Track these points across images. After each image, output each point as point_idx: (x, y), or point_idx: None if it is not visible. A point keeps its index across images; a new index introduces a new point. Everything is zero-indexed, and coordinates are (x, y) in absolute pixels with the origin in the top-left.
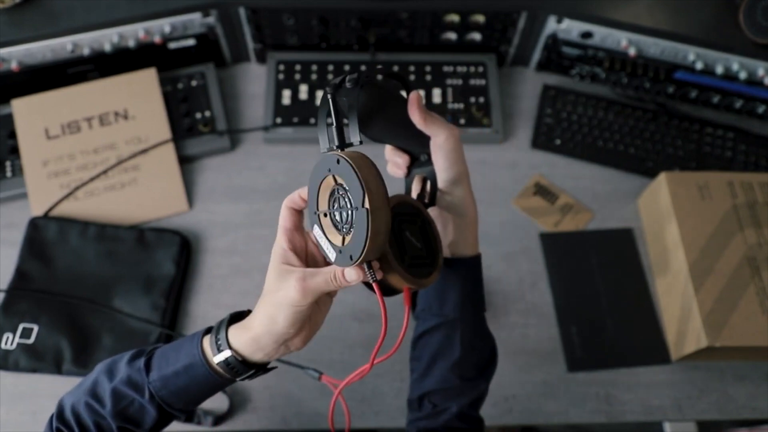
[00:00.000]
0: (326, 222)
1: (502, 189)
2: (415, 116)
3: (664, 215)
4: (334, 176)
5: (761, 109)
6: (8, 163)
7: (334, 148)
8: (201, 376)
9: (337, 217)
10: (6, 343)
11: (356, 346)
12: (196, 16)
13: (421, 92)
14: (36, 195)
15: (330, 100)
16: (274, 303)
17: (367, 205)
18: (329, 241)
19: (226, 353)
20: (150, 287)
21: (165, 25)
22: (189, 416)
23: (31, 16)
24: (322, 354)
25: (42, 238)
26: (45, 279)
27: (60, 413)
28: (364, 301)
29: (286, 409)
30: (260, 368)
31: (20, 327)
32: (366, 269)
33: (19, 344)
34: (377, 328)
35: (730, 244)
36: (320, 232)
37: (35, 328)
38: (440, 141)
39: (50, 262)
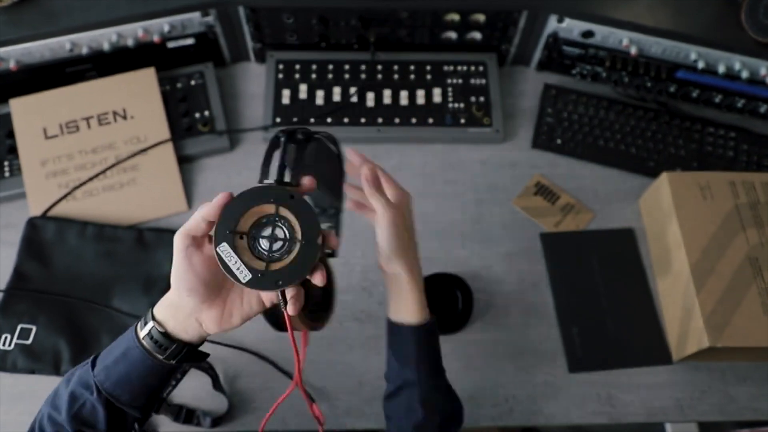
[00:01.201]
0: (241, 243)
1: (502, 189)
2: (365, 188)
3: (665, 215)
4: (278, 207)
5: (763, 108)
6: (6, 163)
7: (277, 184)
8: (137, 360)
9: (263, 244)
10: (4, 344)
11: (356, 346)
12: (195, 16)
13: (420, 92)
14: (34, 195)
15: (282, 143)
16: (171, 275)
17: (319, 241)
18: (242, 261)
19: (150, 325)
20: (149, 287)
21: (164, 24)
22: (188, 417)
23: (30, 15)
24: (321, 355)
25: (40, 238)
26: (43, 279)
27: (40, 427)
28: (364, 301)
29: (286, 410)
30: (186, 346)
31: (18, 327)
32: (280, 297)
33: (17, 345)
34: (377, 329)
35: (732, 245)
36: (230, 251)
37: (33, 328)
38: (377, 216)
39: (49, 262)
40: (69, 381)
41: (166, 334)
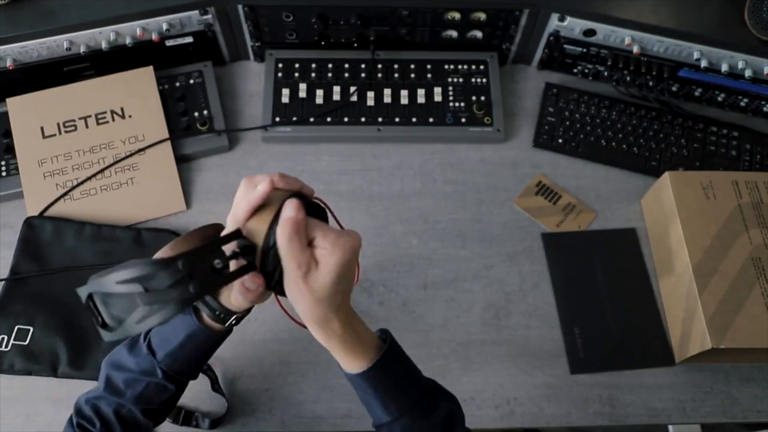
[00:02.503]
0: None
1: (503, 188)
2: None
3: (667, 215)
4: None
5: (767, 107)
6: (3, 163)
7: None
8: (204, 340)
9: None
10: (1, 345)
11: None
12: (193, 14)
13: (421, 91)
14: (31, 194)
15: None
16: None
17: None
18: None
19: (214, 304)
20: None
21: (162, 22)
22: (186, 418)
23: (27, 13)
24: (322, 355)
25: (37, 238)
26: (40, 280)
27: (78, 410)
28: (364, 301)
29: (285, 411)
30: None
31: (15, 328)
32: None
33: (14, 345)
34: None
35: (735, 245)
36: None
37: (31, 329)
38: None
39: (46, 262)
40: (119, 368)
41: (227, 310)
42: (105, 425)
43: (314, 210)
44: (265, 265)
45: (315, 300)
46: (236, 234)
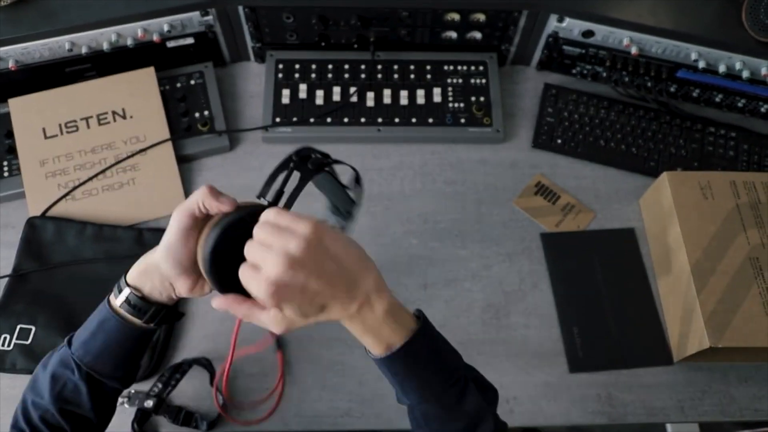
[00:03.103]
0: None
1: (503, 189)
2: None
3: (666, 215)
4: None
5: (764, 108)
6: (5, 163)
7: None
8: (114, 329)
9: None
10: (3, 344)
11: (356, 346)
12: (194, 15)
13: (421, 92)
14: (33, 195)
15: (290, 169)
16: (162, 240)
17: None
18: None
19: (126, 291)
20: None
21: (163, 23)
22: (186, 419)
23: (29, 14)
24: (322, 354)
25: (39, 238)
26: (42, 280)
27: (14, 422)
28: None
29: (286, 410)
30: (163, 308)
31: (17, 328)
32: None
33: (16, 345)
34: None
35: (733, 245)
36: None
37: (33, 329)
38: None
39: (48, 262)
40: (46, 365)
41: (143, 298)
42: None
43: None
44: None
45: (301, 323)
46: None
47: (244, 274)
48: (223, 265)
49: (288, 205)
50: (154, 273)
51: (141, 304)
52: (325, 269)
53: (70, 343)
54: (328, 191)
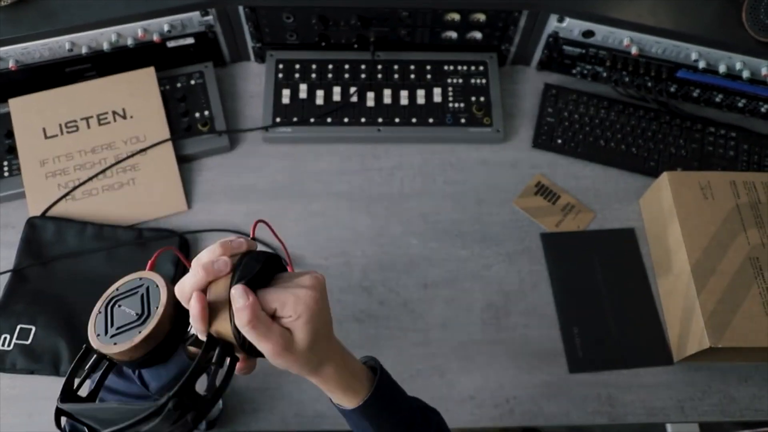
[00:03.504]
0: None
1: (503, 189)
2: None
3: (666, 215)
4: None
5: (764, 108)
6: (5, 163)
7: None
8: None
9: None
10: (3, 344)
11: (356, 346)
12: (194, 15)
13: (421, 92)
14: (33, 195)
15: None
16: None
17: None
18: None
19: None
20: None
21: (163, 23)
22: None
23: (29, 14)
24: None
25: (39, 238)
26: (42, 279)
27: None
28: (364, 301)
29: (286, 410)
30: None
31: (18, 328)
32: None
33: (16, 345)
34: (377, 329)
35: (733, 245)
36: None
37: (33, 329)
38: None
39: (48, 262)
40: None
41: None
42: None
43: (271, 261)
44: (250, 351)
45: (303, 361)
46: (213, 344)
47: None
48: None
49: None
50: None
51: None
52: (326, 311)
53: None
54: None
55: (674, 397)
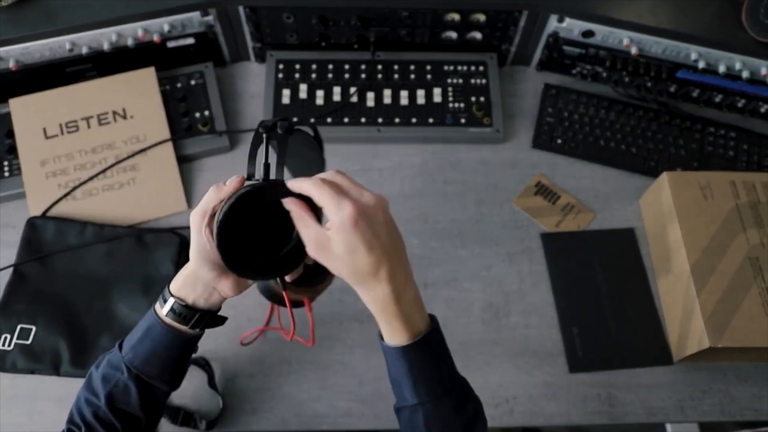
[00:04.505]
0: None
1: (503, 189)
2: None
3: (665, 215)
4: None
5: (764, 108)
6: (6, 163)
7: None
8: (159, 335)
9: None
10: (4, 344)
11: (356, 346)
12: (195, 15)
13: (421, 92)
14: (34, 195)
15: (265, 140)
16: (191, 250)
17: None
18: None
19: (170, 301)
20: (149, 288)
21: (164, 23)
22: (185, 420)
23: (30, 14)
24: (322, 354)
25: (40, 238)
26: (43, 279)
27: (70, 418)
28: None
29: (286, 410)
30: (207, 314)
31: (18, 328)
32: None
33: (16, 345)
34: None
35: (733, 245)
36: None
37: (33, 328)
38: (327, 221)
39: (48, 262)
40: (99, 365)
41: (187, 306)
42: (89, 430)
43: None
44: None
45: (340, 265)
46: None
47: (319, 184)
48: (238, 239)
49: (279, 173)
50: (196, 283)
51: (186, 311)
52: (388, 231)
53: (120, 347)
54: (297, 156)
55: (674, 397)
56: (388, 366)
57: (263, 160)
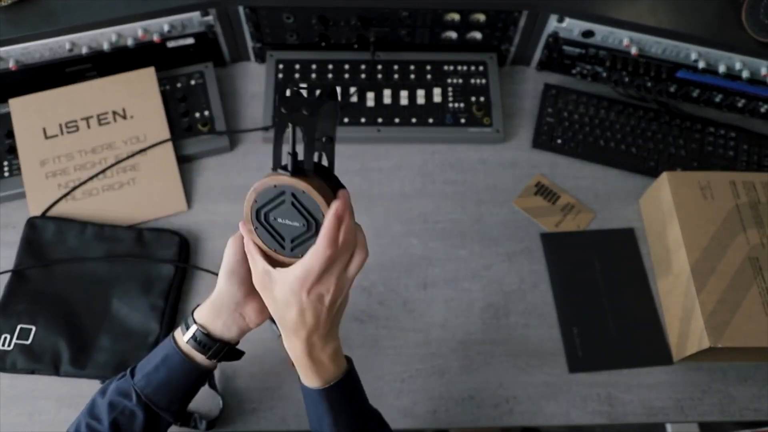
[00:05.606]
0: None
1: (502, 189)
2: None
3: (665, 215)
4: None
5: (764, 108)
6: (6, 163)
7: (291, 174)
8: (177, 364)
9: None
10: (3, 344)
11: (356, 346)
12: (194, 15)
13: (421, 92)
14: (34, 195)
15: (294, 125)
16: (221, 270)
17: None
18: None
19: (192, 328)
20: (149, 288)
21: (164, 23)
22: (185, 420)
23: (29, 14)
24: None
25: (40, 238)
26: (43, 279)
27: None
28: (364, 301)
29: (286, 410)
30: (226, 345)
31: (18, 328)
32: None
33: (16, 345)
34: (377, 329)
35: (733, 245)
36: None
37: (33, 328)
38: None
39: (48, 262)
40: (105, 392)
41: (209, 335)
42: None
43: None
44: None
45: (271, 307)
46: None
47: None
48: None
49: (308, 161)
50: (221, 310)
51: (207, 340)
52: (328, 310)
53: (132, 374)
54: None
55: (674, 397)
56: (307, 404)
57: (291, 150)
